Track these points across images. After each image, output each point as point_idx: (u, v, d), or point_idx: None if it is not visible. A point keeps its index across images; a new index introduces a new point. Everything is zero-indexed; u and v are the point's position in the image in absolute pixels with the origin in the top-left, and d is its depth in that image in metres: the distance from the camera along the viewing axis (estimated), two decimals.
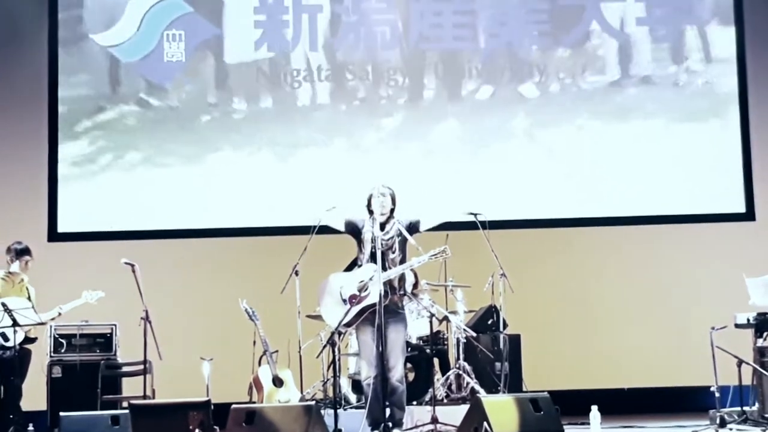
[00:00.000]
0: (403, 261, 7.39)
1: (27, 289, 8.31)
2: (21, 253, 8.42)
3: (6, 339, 7.94)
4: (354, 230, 7.50)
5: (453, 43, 10.66)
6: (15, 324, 7.74)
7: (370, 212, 7.49)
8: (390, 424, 7.13)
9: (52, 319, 8.33)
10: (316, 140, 10.52)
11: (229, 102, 10.58)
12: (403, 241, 7.40)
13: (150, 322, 8.01)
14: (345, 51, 10.62)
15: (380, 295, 7.12)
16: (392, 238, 7.39)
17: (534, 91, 10.57)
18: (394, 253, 7.38)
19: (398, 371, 7.33)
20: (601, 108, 10.52)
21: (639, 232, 10.37)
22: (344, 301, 7.30)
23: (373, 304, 7.19)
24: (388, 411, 7.27)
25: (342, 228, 7.54)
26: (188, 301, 10.06)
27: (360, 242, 7.49)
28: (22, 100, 10.50)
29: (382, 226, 7.42)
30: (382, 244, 7.32)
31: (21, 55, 10.52)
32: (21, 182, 10.42)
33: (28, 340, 8.22)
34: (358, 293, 7.27)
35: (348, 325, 7.43)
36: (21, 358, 8.12)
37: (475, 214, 8.58)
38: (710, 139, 10.49)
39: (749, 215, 10.40)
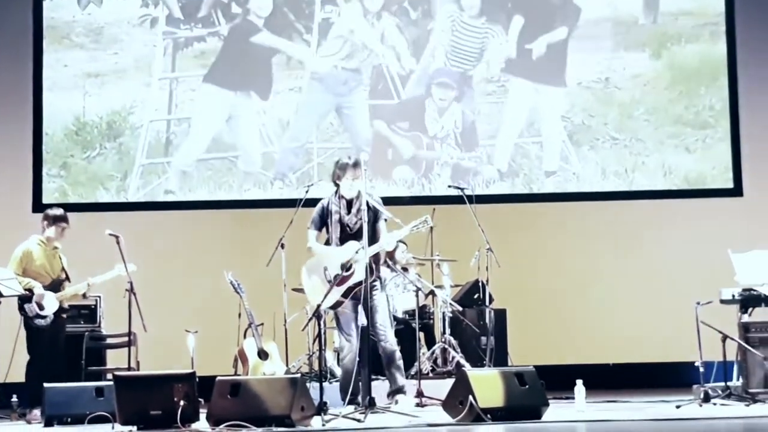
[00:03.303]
0: (374, 236, 7.12)
1: (60, 257, 8.11)
2: (57, 219, 8.05)
3: (41, 308, 7.81)
4: (323, 219, 7.28)
5: None
6: None
7: (336, 185, 7.21)
8: (395, 390, 7.18)
9: (83, 294, 8.08)
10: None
11: None
12: (374, 215, 7.14)
13: (135, 294, 7.95)
14: None
15: (366, 278, 7.00)
16: (360, 219, 7.08)
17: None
18: (363, 234, 7.02)
19: (390, 336, 7.29)
20: (587, 84, 10.48)
21: (626, 207, 10.36)
22: (329, 282, 7.18)
23: (359, 282, 7.08)
24: (389, 378, 7.30)
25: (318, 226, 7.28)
26: (173, 274, 10.03)
27: (327, 225, 7.23)
28: (5, 70, 10.42)
29: (349, 204, 7.18)
30: (350, 228, 7.14)
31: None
32: (5, 153, 10.34)
33: (62, 310, 8.03)
34: (342, 273, 7.11)
35: (337, 305, 7.28)
36: (56, 328, 7.94)
37: (462, 189, 8.57)
38: (698, 114, 10.46)
39: (737, 191, 10.40)
